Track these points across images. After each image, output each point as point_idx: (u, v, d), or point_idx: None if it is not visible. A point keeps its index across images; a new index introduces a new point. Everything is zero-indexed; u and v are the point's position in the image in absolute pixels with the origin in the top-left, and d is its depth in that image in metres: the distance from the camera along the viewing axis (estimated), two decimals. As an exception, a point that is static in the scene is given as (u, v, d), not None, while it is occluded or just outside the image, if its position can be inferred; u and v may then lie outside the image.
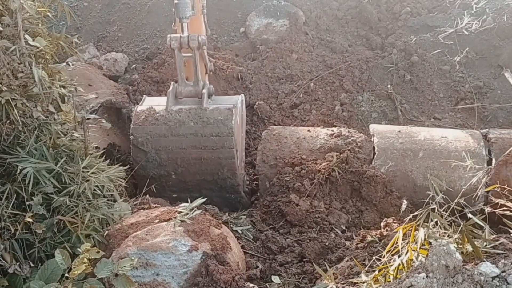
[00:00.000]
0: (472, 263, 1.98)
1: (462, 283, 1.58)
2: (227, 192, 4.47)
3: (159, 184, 4.31)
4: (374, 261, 3.00)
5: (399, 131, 4.45)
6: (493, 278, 1.62)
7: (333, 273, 3.10)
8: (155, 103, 4.47)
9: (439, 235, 2.58)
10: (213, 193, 4.38)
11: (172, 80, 4.72)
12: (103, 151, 3.94)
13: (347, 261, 3.34)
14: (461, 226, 2.57)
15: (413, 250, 2.44)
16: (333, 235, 3.95)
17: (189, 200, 3.44)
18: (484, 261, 1.89)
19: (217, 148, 4.26)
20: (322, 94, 5.75)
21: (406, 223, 2.82)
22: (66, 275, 2.65)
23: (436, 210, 2.79)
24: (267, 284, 3.35)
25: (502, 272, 1.64)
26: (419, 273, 1.63)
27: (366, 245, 3.55)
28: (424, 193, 3.93)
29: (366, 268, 2.91)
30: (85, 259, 2.61)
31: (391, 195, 4.17)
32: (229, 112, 4.29)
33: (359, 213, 4.21)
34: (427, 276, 1.60)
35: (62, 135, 3.33)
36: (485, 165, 4.03)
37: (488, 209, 3.15)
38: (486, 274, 1.59)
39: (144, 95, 4.72)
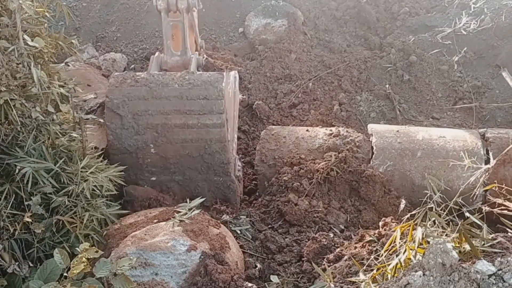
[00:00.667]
0: (470, 262, 1.99)
1: (459, 281, 1.59)
2: (215, 174, 3.95)
3: (135, 160, 3.81)
4: (372, 260, 3.00)
5: (398, 131, 4.46)
6: (490, 276, 1.62)
7: (332, 273, 3.10)
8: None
9: (437, 234, 2.59)
10: (199, 175, 3.87)
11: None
12: (101, 151, 3.94)
13: (346, 260, 3.35)
14: (459, 225, 2.58)
15: (411, 249, 2.45)
16: (331, 235, 3.95)
17: (188, 200, 3.44)
18: (482, 259, 1.90)
19: (204, 113, 3.72)
20: (320, 94, 5.76)
21: (404, 222, 2.83)
22: (65, 274, 2.66)
23: (434, 209, 2.80)
24: (266, 283, 3.36)
25: (499, 270, 1.65)
26: (416, 271, 1.63)
27: (364, 244, 3.56)
28: (422, 192, 3.94)
29: (365, 267, 2.92)
30: (84, 258, 2.62)
31: (390, 195, 4.18)
32: (219, 76, 3.80)
33: (357, 212, 4.22)
34: (424, 274, 1.61)
35: (61, 135, 3.34)
36: (483, 164, 4.03)
37: (486, 208, 3.16)
38: (482, 272, 1.60)
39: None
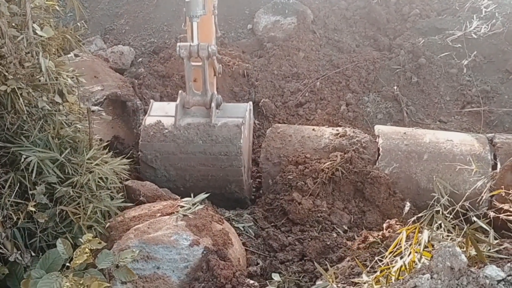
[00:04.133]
0: (476, 267, 1.97)
1: (467, 286, 1.56)
2: (234, 202, 4.50)
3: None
4: (376, 262, 2.98)
5: (405, 133, 4.43)
6: (499, 281, 1.60)
7: (334, 273, 3.08)
8: (163, 113, 4.42)
9: (443, 237, 2.57)
10: (221, 203, 4.35)
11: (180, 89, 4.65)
12: (107, 143, 3.93)
13: (348, 261, 3.32)
14: (465, 229, 2.55)
15: (416, 252, 2.43)
16: (334, 235, 3.93)
17: (192, 195, 3.43)
18: (488, 264, 1.87)
19: (225, 167, 4.29)
20: (328, 94, 5.73)
21: (409, 225, 2.80)
22: (67, 264, 2.65)
23: (441, 213, 2.77)
24: (267, 281, 3.34)
25: (508, 276, 1.62)
26: (424, 274, 1.61)
27: (367, 246, 3.53)
28: (428, 195, 3.92)
29: (368, 269, 2.90)
30: (86, 249, 2.61)
31: (394, 197, 4.16)
32: (237, 130, 4.26)
33: (361, 213, 4.19)
34: (431, 277, 1.59)
35: (66, 126, 3.33)
36: (490, 169, 4.00)
37: (492, 213, 3.13)
38: (491, 278, 1.57)
39: (152, 101, 4.64)
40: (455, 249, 1.67)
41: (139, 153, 4.35)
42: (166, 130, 4.29)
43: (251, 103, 4.70)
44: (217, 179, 4.33)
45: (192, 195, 3.44)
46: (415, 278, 1.62)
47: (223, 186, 4.36)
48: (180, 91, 4.40)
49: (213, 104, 4.30)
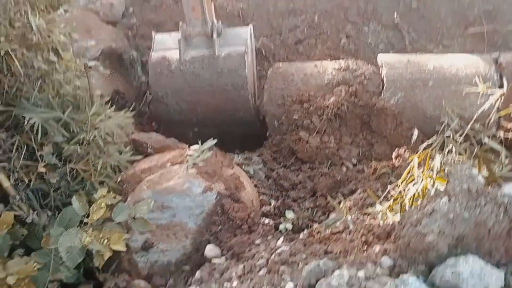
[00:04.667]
0: (491, 187, 1.97)
1: (485, 206, 1.57)
2: (243, 139, 4.63)
3: (180, 126, 4.59)
4: (388, 191, 3.00)
5: (408, 61, 4.34)
6: (517, 199, 1.61)
7: (347, 205, 3.12)
8: (167, 46, 4.50)
9: (454, 161, 2.57)
10: (230, 144, 4.40)
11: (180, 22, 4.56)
12: (108, 98, 3.89)
13: (360, 193, 3.36)
14: (476, 150, 2.54)
15: (429, 178, 2.43)
16: (344, 169, 3.96)
17: (199, 142, 3.42)
18: (504, 183, 1.88)
19: (233, 97, 4.42)
20: (327, 28, 5.58)
21: (420, 152, 2.79)
22: (85, 220, 2.68)
23: (451, 137, 2.76)
24: (281, 218, 3.39)
25: (526, 192, 1.63)
26: (441, 198, 1.62)
27: (378, 176, 3.56)
28: (434, 123, 3.91)
29: (381, 199, 2.93)
30: (102, 204, 2.63)
31: (402, 127, 4.14)
32: (241, 60, 4.33)
33: (369, 146, 4.19)
34: (449, 201, 1.60)
35: (65, 84, 3.27)
36: (497, 89, 3.94)
37: (501, 133, 3.12)
38: (510, 196, 1.58)
39: (153, 33, 4.65)
40: (471, 171, 1.67)
41: (149, 90, 4.54)
42: (173, 66, 4.40)
43: (251, 25, 4.72)
44: (226, 109, 4.49)
45: (199, 142, 3.43)
46: (432, 202, 1.63)
47: (232, 114, 4.52)
48: (180, 23, 4.41)
49: (214, 35, 4.33)
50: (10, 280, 2.35)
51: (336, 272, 1.66)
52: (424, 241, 1.58)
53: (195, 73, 4.36)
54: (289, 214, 3.46)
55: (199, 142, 3.42)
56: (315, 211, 3.57)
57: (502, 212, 1.56)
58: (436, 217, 1.58)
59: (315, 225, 3.18)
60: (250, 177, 3.76)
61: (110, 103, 3.74)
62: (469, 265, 1.48)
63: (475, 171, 1.67)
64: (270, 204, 3.60)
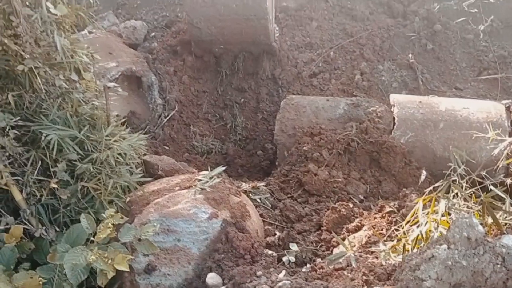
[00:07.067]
0: (492, 235, 1.99)
1: (484, 255, 1.59)
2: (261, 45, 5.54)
3: (209, 43, 5.54)
4: (392, 231, 3.02)
5: (420, 102, 4.39)
6: (515, 250, 1.62)
7: (351, 242, 3.13)
8: None
9: (459, 206, 2.58)
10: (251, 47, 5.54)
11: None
12: (124, 119, 3.97)
13: (365, 230, 3.37)
14: (481, 197, 2.56)
15: (433, 221, 2.45)
16: (351, 205, 3.97)
17: (209, 169, 3.47)
18: (505, 233, 1.89)
19: (255, 24, 5.34)
20: (342, 63, 5.68)
21: (426, 194, 2.82)
22: (92, 239, 2.73)
23: (457, 182, 2.78)
24: (285, 251, 3.40)
25: (525, 244, 1.64)
26: (441, 244, 1.64)
27: (384, 215, 3.57)
28: (444, 164, 3.92)
29: (385, 238, 2.94)
30: (109, 224, 2.68)
31: (410, 166, 4.16)
32: None
33: (377, 183, 4.21)
34: (448, 248, 1.62)
35: (84, 104, 3.36)
36: (507, 137, 3.97)
37: (509, 181, 3.13)
38: (508, 247, 1.60)
39: None
40: (472, 219, 1.69)
41: (187, 16, 5.49)
42: None
43: None
44: (249, 32, 5.41)
45: (209, 168, 3.48)
46: (432, 248, 1.65)
47: (253, 38, 5.44)
48: None
49: None
50: (15, 293, 2.39)
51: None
52: (421, 287, 1.60)
53: (225, 4, 5.27)
54: (293, 247, 3.46)
55: (209, 168, 3.48)
56: (319, 245, 3.57)
57: (500, 262, 1.58)
58: (435, 263, 1.60)
59: (318, 260, 3.20)
60: (256, 206, 3.79)
61: (125, 123, 3.82)
62: (464, 314, 1.49)
63: (475, 220, 1.70)
64: (274, 235, 3.61)
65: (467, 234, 1.64)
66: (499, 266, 1.57)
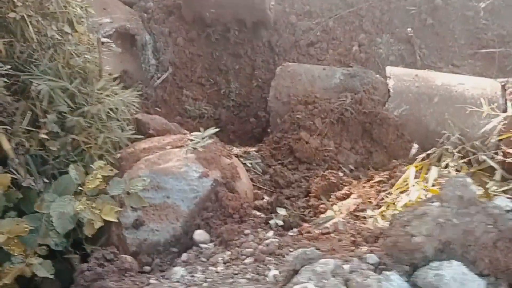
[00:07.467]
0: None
1: (476, 215, 1.59)
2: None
3: (199, 6, 5.30)
4: (381, 199, 3.03)
5: (416, 75, 4.36)
6: (508, 211, 1.63)
7: (339, 209, 3.14)
8: None
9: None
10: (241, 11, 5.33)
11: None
12: (116, 76, 3.91)
13: (354, 198, 3.38)
14: (473, 168, 2.57)
15: (423, 189, 2.46)
16: (341, 174, 3.98)
17: (201, 129, 3.44)
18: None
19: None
20: (340, 34, 5.61)
21: (417, 162, 2.82)
22: (80, 189, 2.70)
23: (449, 151, 2.78)
24: (272, 214, 3.41)
25: (518, 206, 1.65)
26: (433, 202, 1.64)
27: (373, 184, 3.58)
28: (436, 138, 3.93)
29: (373, 205, 2.95)
30: (98, 175, 2.65)
31: (402, 139, 4.15)
32: None
33: (368, 154, 4.21)
34: (441, 205, 1.62)
35: (76, 56, 3.30)
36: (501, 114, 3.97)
37: (500, 156, 3.14)
38: (500, 208, 1.61)
39: None
40: (465, 179, 1.69)
41: None
42: None
43: None
44: (247, 4, 5.28)
45: (201, 129, 3.45)
46: (424, 205, 1.65)
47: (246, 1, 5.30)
48: None
49: None
50: (0, 239, 2.37)
51: (322, 260, 1.68)
52: (411, 242, 1.60)
53: None
54: (281, 211, 3.47)
55: (201, 129, 3.45)
56: (307, 211, 3.59)
57: (492, 223, 1.59)
58: (426, 219, 1.61)
59: (305, 225, 3.21)
60: (247, 170, 3.78)
61: (118, 81, 3.76)
62: (452, 269, 1.51)
63: (469, 179, 1.70)
64: (263, 199, 3.62)
65: (460, 193, 1.65)
66: (490, 226, 1.58)
